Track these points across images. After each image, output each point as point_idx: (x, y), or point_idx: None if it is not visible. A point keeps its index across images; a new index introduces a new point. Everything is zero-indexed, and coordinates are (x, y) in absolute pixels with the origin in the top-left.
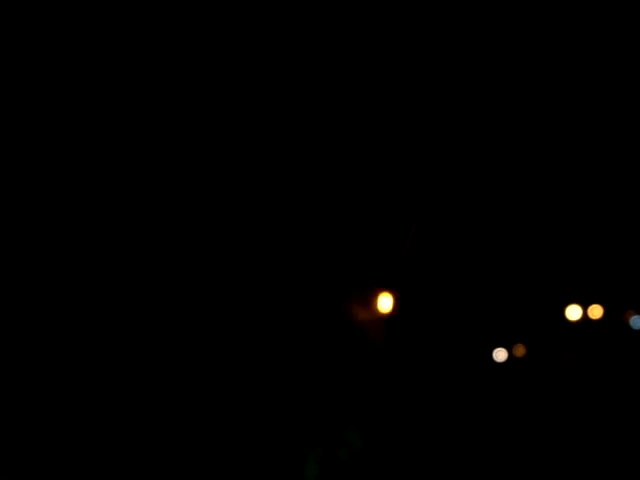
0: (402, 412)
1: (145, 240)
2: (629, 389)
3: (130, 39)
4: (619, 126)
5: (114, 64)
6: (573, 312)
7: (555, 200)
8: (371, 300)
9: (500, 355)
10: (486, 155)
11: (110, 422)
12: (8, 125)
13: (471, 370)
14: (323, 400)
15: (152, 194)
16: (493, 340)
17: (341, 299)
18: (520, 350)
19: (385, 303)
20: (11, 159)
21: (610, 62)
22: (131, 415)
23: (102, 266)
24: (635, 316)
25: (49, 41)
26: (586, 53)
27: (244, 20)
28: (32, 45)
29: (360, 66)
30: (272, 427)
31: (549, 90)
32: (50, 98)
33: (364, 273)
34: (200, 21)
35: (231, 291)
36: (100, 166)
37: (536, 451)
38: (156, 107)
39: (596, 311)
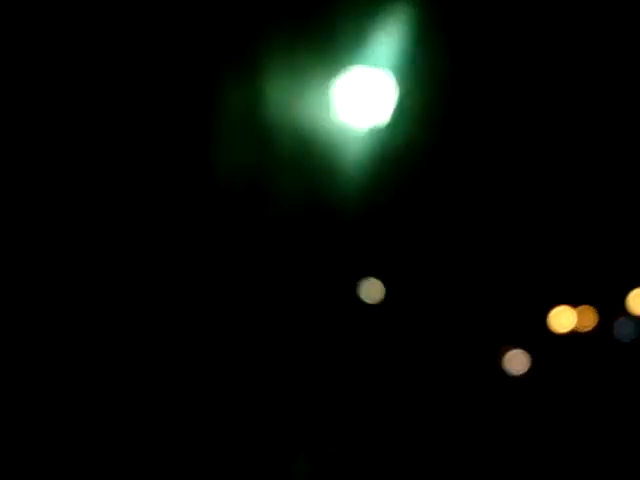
0: (354, 435)
1: (140, 242)
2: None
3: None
4: (600, 133)
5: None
6: (561, 318)
7: (540, 200)
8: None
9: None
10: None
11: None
12: (8, 125)
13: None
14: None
15: (150, 195)
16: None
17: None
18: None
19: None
20: (11, 159)
21: (610, 62)
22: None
23: (98, 265)
24: (622, 319)
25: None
26: (586, 53)
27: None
28: (32, 44)
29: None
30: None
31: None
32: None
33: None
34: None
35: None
36: (97, 166)
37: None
38: (154, 107)
39: (585, 316)
